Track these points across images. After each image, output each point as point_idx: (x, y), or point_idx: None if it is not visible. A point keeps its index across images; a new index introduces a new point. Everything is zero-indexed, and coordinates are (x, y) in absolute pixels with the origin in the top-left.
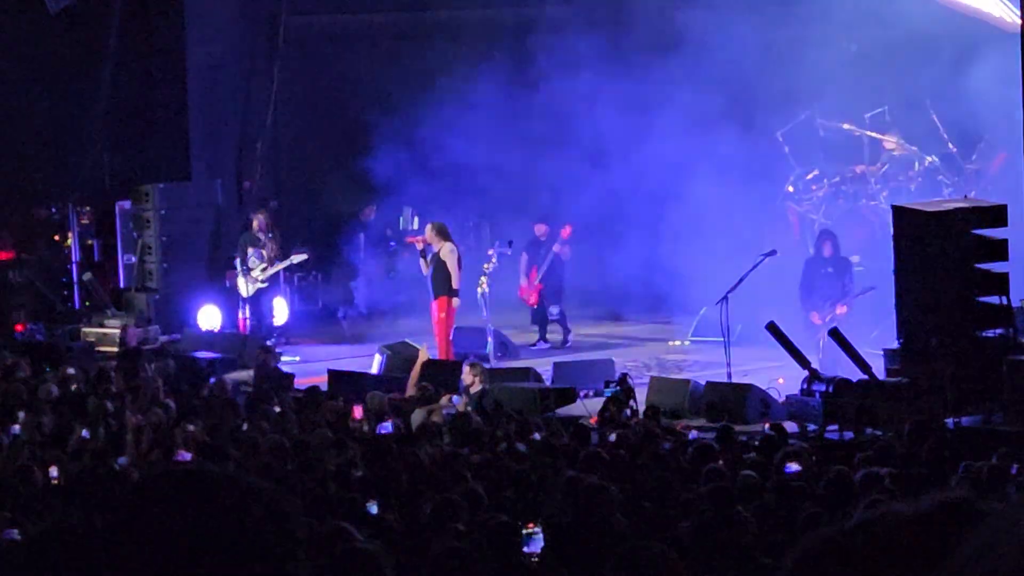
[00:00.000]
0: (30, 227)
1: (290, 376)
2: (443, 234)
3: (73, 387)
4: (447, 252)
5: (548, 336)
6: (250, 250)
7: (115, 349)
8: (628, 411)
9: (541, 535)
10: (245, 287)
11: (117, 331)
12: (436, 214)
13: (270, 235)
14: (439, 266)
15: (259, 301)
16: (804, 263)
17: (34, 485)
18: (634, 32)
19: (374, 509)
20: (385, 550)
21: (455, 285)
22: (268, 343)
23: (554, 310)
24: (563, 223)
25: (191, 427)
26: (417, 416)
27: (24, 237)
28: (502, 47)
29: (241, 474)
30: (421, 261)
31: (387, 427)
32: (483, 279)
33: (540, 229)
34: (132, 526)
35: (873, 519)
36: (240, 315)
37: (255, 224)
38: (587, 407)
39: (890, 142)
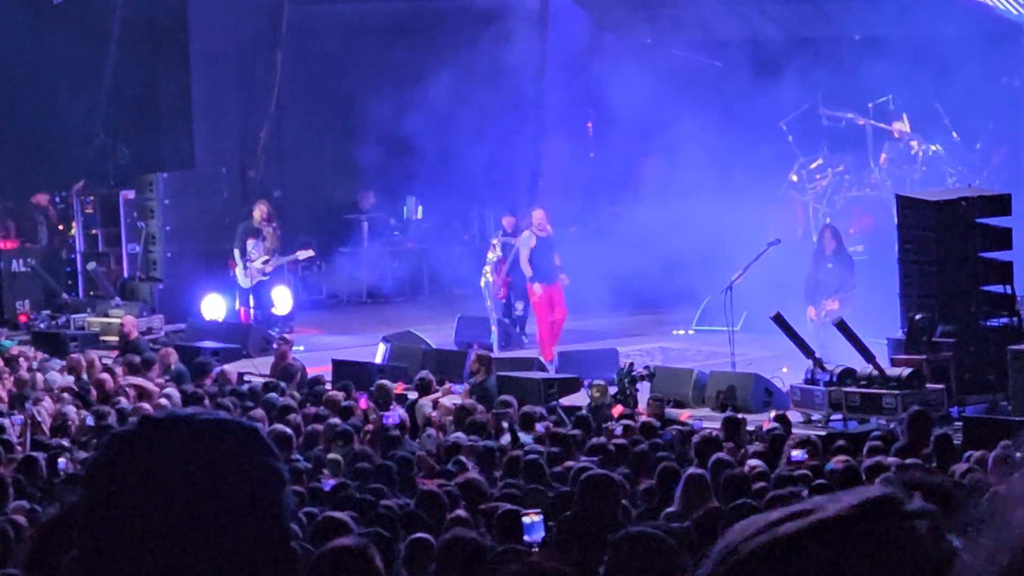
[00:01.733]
0: (29, 214)
1: (295, 368)
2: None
3: (77, 376)
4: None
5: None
6: (250, 241)
7: (118, 338)
8: (609, 398)
9: (543, 523)
10: (244, 278)
11: (120, 321)
12: (440, 202)
13: (272, 226)
14: (554, 250)
15: (260, 291)
16: (811, 255)
17: (39, 474)
18: (643, 20)
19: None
20: (385, 541)
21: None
22: (283, 334)
23: (518, 306)
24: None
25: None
26: (421, 406)
27: (25, 224)
28: (504, 35)
29: (215, 415)
30: (555, 255)
31: (394, 417)
32: (487, 268)
33: (508, 221)
34: (111, 479)
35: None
36: (238, 305)
37: (256, 215)
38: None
39: (901, 126)
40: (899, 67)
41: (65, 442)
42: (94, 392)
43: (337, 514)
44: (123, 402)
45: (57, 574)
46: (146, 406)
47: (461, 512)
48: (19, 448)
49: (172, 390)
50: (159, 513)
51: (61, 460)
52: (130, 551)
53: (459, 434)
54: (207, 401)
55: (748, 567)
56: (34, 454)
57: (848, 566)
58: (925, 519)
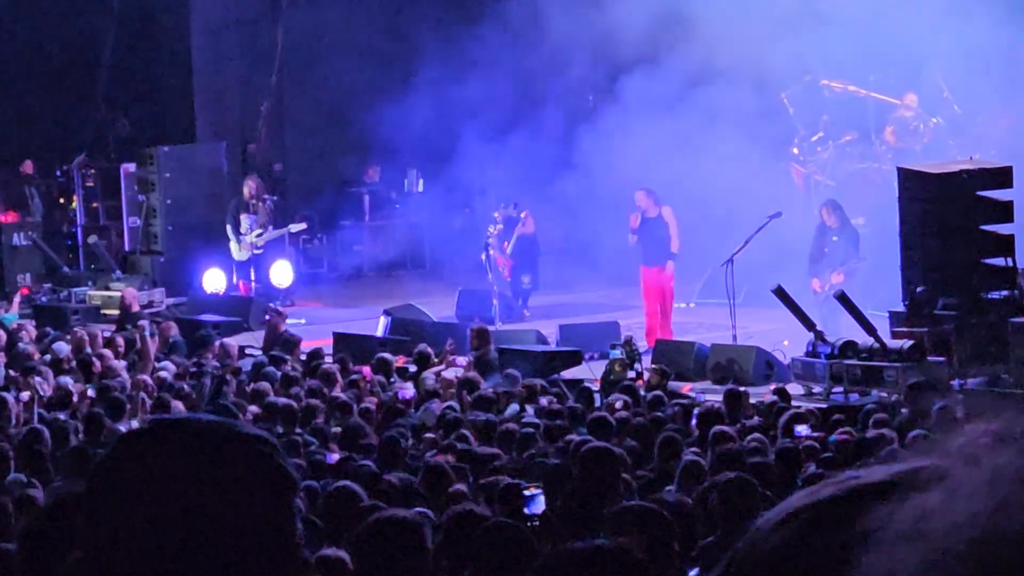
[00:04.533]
0: (19, 186)
1: (295, 339)
2: (657, 198)
3: (79, 349)
4: (669, 214)
5: (530, 303)
6: (243, 216)
7: (118, 312)
8: (633, 373)
9: (543, 496)
10: (238, 251)
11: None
12: (441, 176)
13: (264, 200)
14: (661, 230)
15: (259, 264)
16: (815, 229)
17: (45, 447)
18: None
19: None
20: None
21: (676, 248)
22: (277, 306)
23: (525, 280)
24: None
25: (186, 387)
26: (424, 379)
27: (16, 196)
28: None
29: (227, 421)
30: (631, 236)
31: (409, 393)
32: (490, 240)
33: (510, 209)
34: (118, 480)
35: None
36: (236, 279)
37: (246, 190)
38: (592, 370)
39: (905, 100)
40: (900, 37)
41: (63, 415)
42: (97, 365)
43: (351, 484)
44: (124, 376)
45: (53, 555)
46: (147, 379)
47: (462, 486)
48: (17, 422)
49: (168, 363)
50: (164, 517)
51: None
52: (133, 554)
53: (453, 403)
54: (207, 379)
55: (784, 529)
56: (39, 427)
57: (889, 532)
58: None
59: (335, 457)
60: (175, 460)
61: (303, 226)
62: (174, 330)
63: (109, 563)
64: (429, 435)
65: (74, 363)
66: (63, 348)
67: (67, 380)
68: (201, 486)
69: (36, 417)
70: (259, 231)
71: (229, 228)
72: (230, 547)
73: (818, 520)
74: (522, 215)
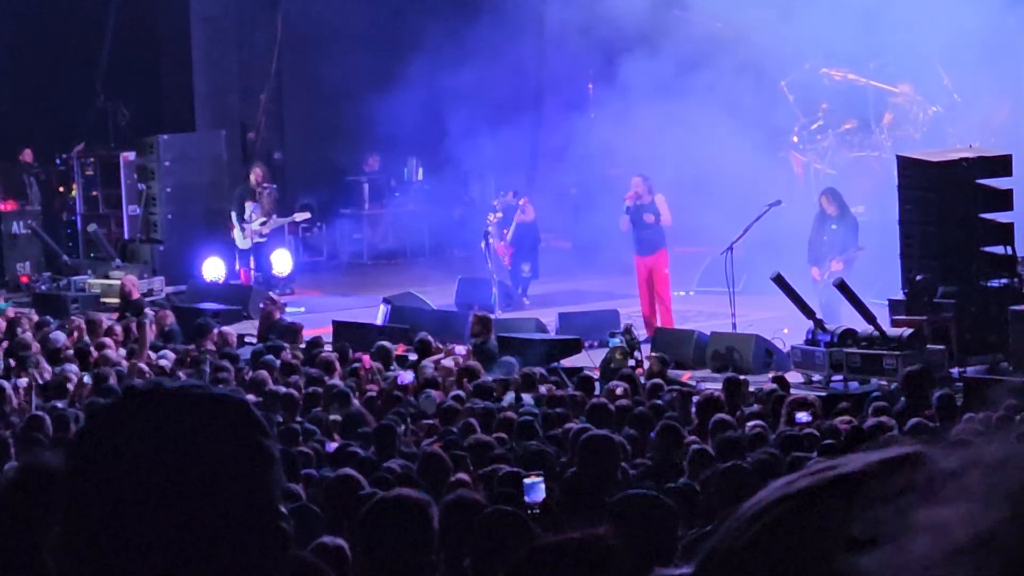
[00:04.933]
0: (18, 175)
1: (297, 327)
2: (652, 185)
3: (77, 337)
4: (661, 202)
5: (529, 292)
6: (248, 203)
7: (118, 300)
8: (633, 361)
9: (543, 484)
10: (241, 239)
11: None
12: (440, 165)
13: (268, 188)
14: (641, 218)
15: (261, 253)
16: (814, 218)
17: (46, 435)
18: None
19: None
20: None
21: (666, 221)
22: (273, 294)
23: (525, 269)
24: (523, 189)
25: (182, 375)
26: (423, 367)
27: (15, 184)
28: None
29: (196, 383)
30: (623, 218)
31: (407, 378)
32: (489, 229)
33: (510, 198)
34: (94, 455)
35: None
36: (238, 266)
37: (252, 178)
38: (592, 358)
39: (904, 89)
40: (899, 26)
41: (60, 404)
42: (94, 353)
43: (351, 472)
44: (123, 364)
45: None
46: (143, 366)
47: (463, 475)
48: (16, 410)
49: (167, 351)
50: (141, 489)
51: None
52: (113, 528)
53: (453, 391)
54: (207, 366)
55: (761, 520)
56: (39, 413)
57: (864, 522)
58: (957, 479)
59: (334, 446)
60: (149, 431)
61: (307, 215)
62: (170, 318)
63: (89, 538)
64: (427, 422)
65: (71, 351)
66: (60, 337)
67: (72, 368)
68: (176, 457)
69: (34, 405)
70: (263, 219)
71: (234, 215)
72: (206, 519)
73: (793, 513)
74: (521, 202)
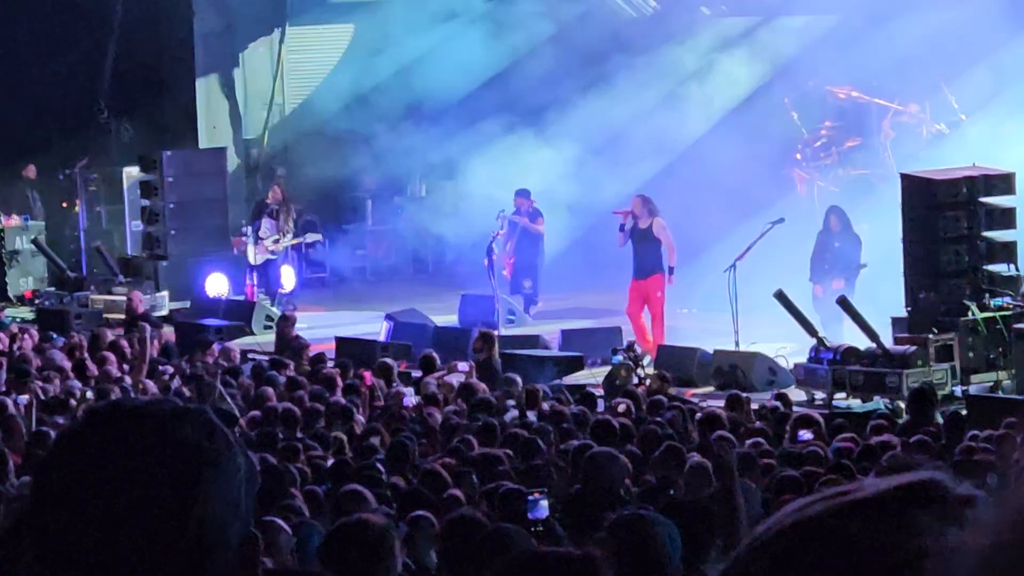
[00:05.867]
0: (22, 190)
1: (305, 343)
2: (653, 208)
3: (78, 354)
4: (660, 228)
5: (530, 308)
6: (265, 220)
7: (123, 316)
8: (636, 378)
9: (546, 501)
10: (254, 255)
11: (125, 298)
12: (444, 181)
13: (286, 207)
14: (650, 243)
15: (267, 269)
16: (816, 235)
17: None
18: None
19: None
20: (394, 519)
21: (673, 262)
22: (286, 311)
23: (526, 284)
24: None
25: (186, 391)
26: (426, 384)
27: (18, 200)
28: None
29: (167, 401)
30: (619, 235)
31: (410, 399)
32: (493, 246)
33: (517, 201)
34: (55, 480)
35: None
36: (248, 282)
37: (270, 195)
38: (595, 375)
39: (905, 108)
40: (904, 44)
41: (62, 420)
42: (93, 369)
43: (358, 487)
44: (126, 380)
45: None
46: (146, 381)
47: (457, 492)
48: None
49: (169, 367)
50: (98, 510)
51: None
52: (72, 551)
53: (453, 407)
54: (217, 382)
55: (775, 547)
56: (44, 429)
57: (878, 549)
58: (971, 505)
59: (330, 461)
60: (108, 450)
61: (319, 237)
62: (169, 335)
63: (51, 562)
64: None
65: (72, 367)
66: (61, 353)
67: (75, 384)
68: (131, 474)
69: (35, 421)
70: (276, 236)
71: (249, 230)
72: (161, 524)
73: (808, 539)
74: (531, 205)
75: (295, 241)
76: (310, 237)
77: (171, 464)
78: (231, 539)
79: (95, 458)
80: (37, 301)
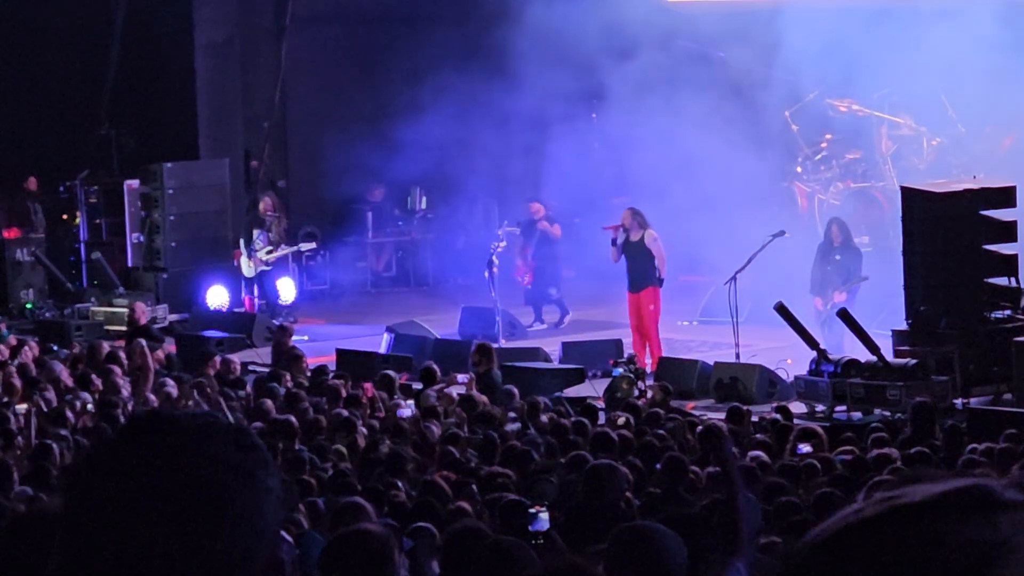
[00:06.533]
0: (22, 202)
1: (300, 354)
2: (643, 221)
3: (79, 364)
4: (651, 240)
5: (545, 317)
6: (255, 232)
7: (123, 328)
8: (637, 391)
9: (547, 514)
10: (248, 267)
11: (125, 310)
12: (444, 194)
13: (277, 217)
14: (642, 255)
15: (264, 281)
16: (817, 248)
17: (53, 462)
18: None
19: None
20: (396, 529)
21: (663, 274)
22: (283, 322)
23: (552, 291)
24: (548, 202)
25: (191, 403)
26: (426, 396)
27: (20, 212)
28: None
29: (209, 413)
30: (612, 250)
31: (407, 411)
32: (493, 259)
33: (534, 208)
34: (87, 494)
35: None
36: (243, 294)
37: (261, 206)
38: (595, 387)
39: (906, 121)
40: (902, 56)
41: (63, 432)
42: (96, 380)
43: (359, 499)
44: (125, 392)
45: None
46: (150, 395)
47: (465, 504)
48: (22, 438)
49: (168, 379)
50: (134, 520)
51: None
52: (106, 561)
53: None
54: (208, 389)
55: (824, 552)
56: (48, 441)
57: (964, 545)
58: (1020, 510)
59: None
60: (145, 461)
61: (313, 245)
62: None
63: (83, 570)
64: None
65: (73, 378)
66: (61, 364)
67: (85, 396)
68: (168, 486)
69: (34, 432)
70: (269, 248)
71: (242, 243)
72: (191, 549)
73: (861, 542)
74: (537, 210)
75: (289, 251)
76: (304, 246)
77: (204, 480)
78: (256, 560)
79: (131, 469)
80: (36, 313)
